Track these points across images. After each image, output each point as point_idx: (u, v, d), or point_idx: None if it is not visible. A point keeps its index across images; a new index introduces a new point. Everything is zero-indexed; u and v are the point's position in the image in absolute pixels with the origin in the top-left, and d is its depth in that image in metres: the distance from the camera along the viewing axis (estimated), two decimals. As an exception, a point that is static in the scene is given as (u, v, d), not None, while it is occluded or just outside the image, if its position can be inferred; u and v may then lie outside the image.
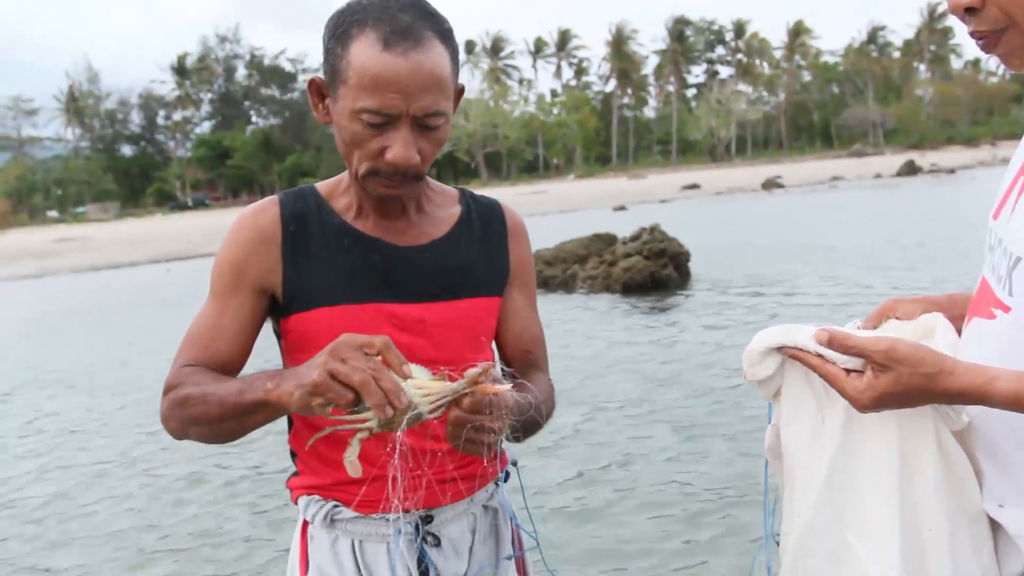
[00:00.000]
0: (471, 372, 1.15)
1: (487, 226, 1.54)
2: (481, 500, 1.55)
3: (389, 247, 1.43)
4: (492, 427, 1.17)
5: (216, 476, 5.50)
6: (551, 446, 5.33)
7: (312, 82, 1.37)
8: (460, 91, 1.40)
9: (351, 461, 1.21)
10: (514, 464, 1.64)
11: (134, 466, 5.88)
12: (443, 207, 1.52)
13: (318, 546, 1.50)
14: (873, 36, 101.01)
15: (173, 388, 1.33)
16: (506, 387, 1.16)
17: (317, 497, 1.49)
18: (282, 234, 1.41)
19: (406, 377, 1.12)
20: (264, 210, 1.44)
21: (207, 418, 1.27)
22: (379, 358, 1.12)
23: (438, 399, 1.14)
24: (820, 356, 1.12)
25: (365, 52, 1.25)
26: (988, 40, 1.05)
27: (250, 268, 1.41)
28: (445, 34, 1.30)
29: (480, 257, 1.50)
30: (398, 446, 1.15)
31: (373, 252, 1.42)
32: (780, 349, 1.18)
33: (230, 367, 1.40)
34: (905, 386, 1.04)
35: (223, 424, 1.27)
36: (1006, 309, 1.08)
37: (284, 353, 1.49)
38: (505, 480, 1.63)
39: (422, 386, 1.14)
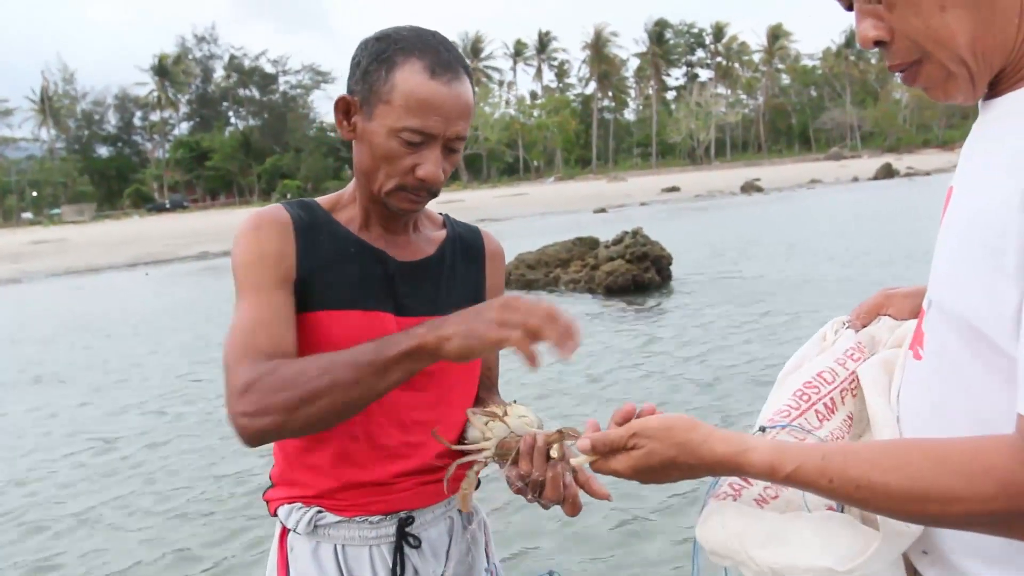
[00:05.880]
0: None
1: (468, 251, 1.62)
2: (456, 504, 1.58)
3: (391, 260, 1.49)
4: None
5: (185, 494, 5.44)
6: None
7: (341, 100, 1.42)
8: None
9: (466, 493, 1.31)
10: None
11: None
12: (431, 228, 1.61)
13: (299, 554, 1.52)
14: (851, 40, 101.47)
15: (259, 379, 1.22)
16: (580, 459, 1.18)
17: (299, 504, 1.50)
18: (295, 228, 1.43)
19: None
20: (276, 208, 1.46)
21: (333, 387, 1.20)
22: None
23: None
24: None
25: (413, 78, 1.35)
26: (907, 74, 1.02)
27: (279, 257, 1.39)
28: (468, 71, 1.44)
29: (462, 279, 1.59)
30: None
31: (378, 263, 1.47)
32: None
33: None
34: (660, 457, 1.06)
35: (353, 390, 1.21)
36: (920, 354, 1.06)
37: None
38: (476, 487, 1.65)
39: (523, 415, 1.37)
